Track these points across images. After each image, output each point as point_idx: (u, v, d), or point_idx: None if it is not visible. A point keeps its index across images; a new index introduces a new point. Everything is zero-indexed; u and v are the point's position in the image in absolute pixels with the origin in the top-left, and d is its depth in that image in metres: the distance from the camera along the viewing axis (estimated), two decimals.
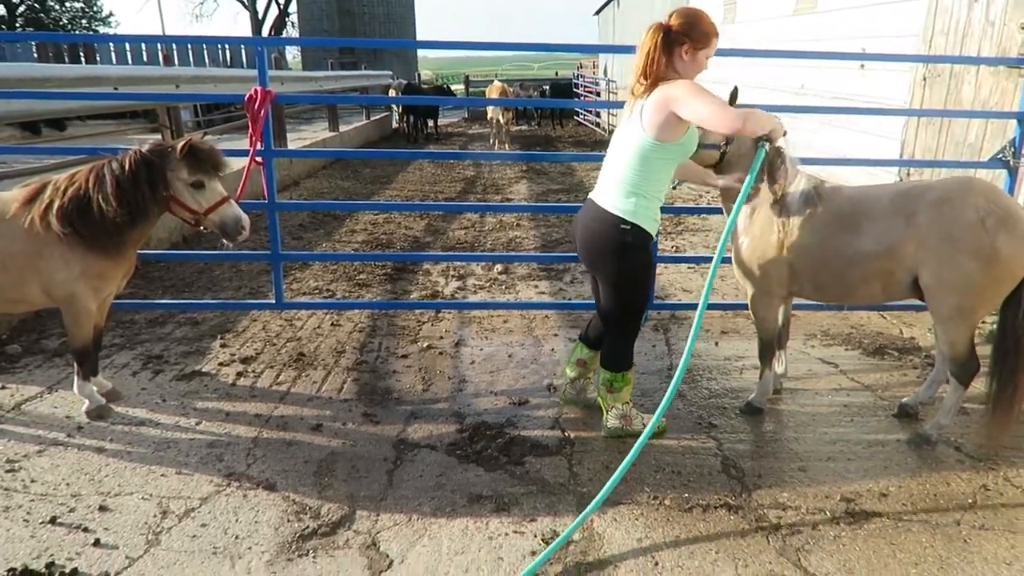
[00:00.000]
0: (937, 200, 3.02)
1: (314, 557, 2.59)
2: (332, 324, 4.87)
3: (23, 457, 3.20)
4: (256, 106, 3.91)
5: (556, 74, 35.73)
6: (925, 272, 3.04)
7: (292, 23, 41.03)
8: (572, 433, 3.46)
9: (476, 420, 3.56)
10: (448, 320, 4.97)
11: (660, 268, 5.93)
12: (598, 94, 20.92)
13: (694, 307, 4.92)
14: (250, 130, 3.94)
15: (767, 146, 2.95)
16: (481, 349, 4.47)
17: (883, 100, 6.91)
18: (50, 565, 2.52)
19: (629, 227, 2.96)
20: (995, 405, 3.07)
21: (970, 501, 2.91)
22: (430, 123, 17.79)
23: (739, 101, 3.15)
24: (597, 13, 27.58)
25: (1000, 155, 4.66)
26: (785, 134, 2.98)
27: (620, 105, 13.58)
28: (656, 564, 2.54)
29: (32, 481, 3.03)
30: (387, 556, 2.60)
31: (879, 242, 3.10)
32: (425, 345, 4.51)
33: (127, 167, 3.21)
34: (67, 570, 2.50)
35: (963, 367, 3.15)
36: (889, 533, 2.71)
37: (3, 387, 3.88)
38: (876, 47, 6.93)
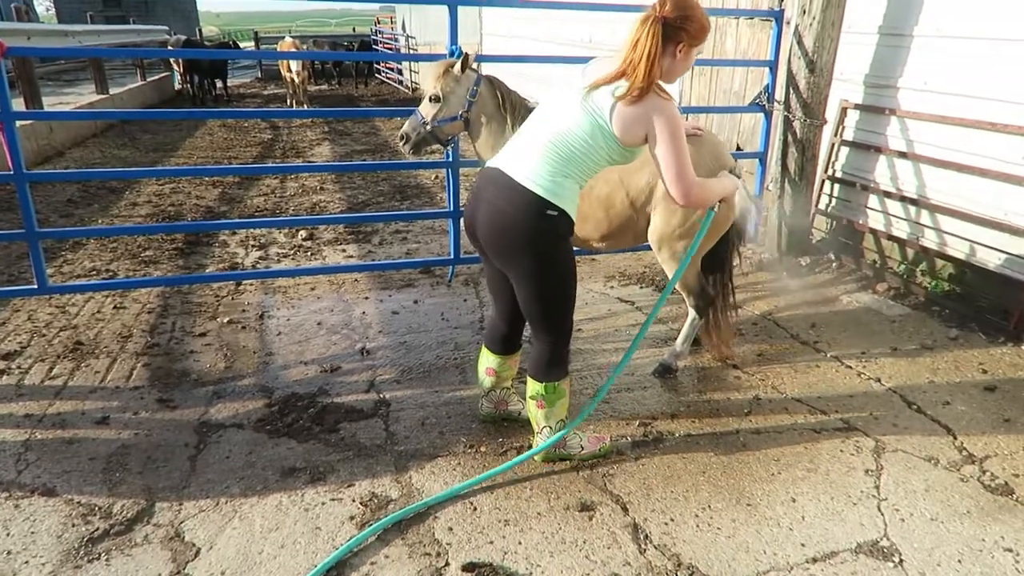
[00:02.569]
0: None
1: (107, 560, 2.36)
2: (115, 307, 4.39)
3: None
4: None
5: (354, 30, 34.47)
6: (657, 219, 3.35)
7: None
8: (387, 394, 3.42)
9: (286, 392, 3.41)
10: (251, 292, 4.68)
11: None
12: (398, 50, 20.43)
13: None
14: None
15: (718, 207, 2.78)
16: (288, 319, 4.27)
17: None
18: None
19: (557, 213, 2.44)
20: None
21: (746, 411, 3.28)
22: (218, 83, 16.42)
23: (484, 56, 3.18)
24: None
25: (757, 100, 5.18)
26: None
27: (424, 58, 12.93)
28: (475, 509, 2.61)
29: None
30: (193, 545, 2.43)
31: (623, 194, 3.38)
32: (226, 320, 4.22)
33: None
34: None
35: (697, 299, 3.55)
36: (681, 448, 2.99)
37: None
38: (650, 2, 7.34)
